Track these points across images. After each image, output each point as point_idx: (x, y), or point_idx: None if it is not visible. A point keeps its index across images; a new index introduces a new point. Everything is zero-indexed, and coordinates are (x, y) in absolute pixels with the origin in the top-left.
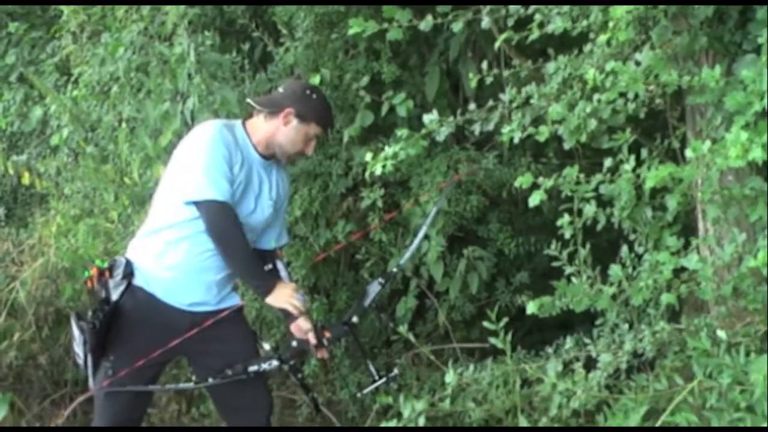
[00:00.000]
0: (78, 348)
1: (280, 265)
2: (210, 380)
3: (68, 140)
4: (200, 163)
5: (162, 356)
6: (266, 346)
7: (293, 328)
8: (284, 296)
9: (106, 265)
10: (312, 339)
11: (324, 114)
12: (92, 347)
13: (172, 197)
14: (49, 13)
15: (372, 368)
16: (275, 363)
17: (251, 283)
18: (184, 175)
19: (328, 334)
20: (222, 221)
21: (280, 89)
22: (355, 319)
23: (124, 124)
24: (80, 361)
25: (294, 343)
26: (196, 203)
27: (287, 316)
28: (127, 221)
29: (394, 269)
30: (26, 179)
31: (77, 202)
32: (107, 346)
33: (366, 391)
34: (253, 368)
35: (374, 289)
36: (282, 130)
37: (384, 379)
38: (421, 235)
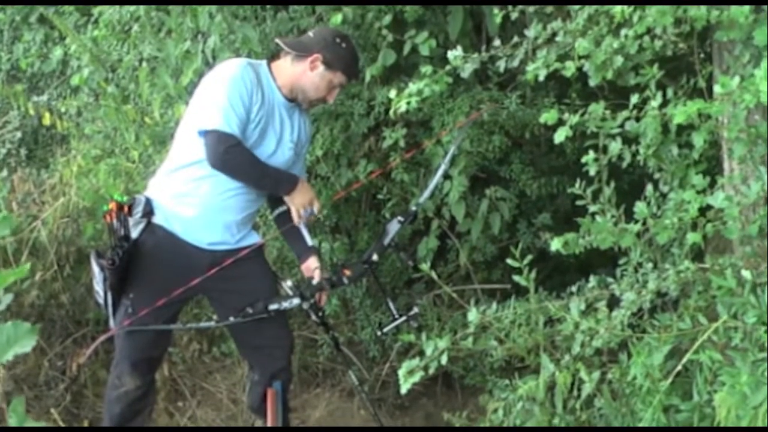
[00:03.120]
0: (98, 286)
1: (302, 227)
2: (231, 319)
3: (89, 80)
4: (216, 98)
5: (182, 295)
6: (287, 284)
7: (303, 267)
8: (305, 198)
9: (125, 199)
10: (316, 276)
11: (351, 64)
12: (112, 285)
13: (192, 134)
14: None
15: (392, 306)
16: (296, 301)
17: (276, 189)
18: (201, 110)
19: (348, 273)
20: (218, 146)
21: (310, 33)
22: (375, 257)
23: (144, 64)
24: (100, 300)
25: (314, 281)
26: (204, 133)
27: (300, 255)
28: (148, 161)
29: (414, 207)
30: (47, 120)
31: (98, 142)
32: (127, 285)
33: (387, 329)
34: (273, 306)
35: (394, 227)
36: (308, 74)
37: (404, 318)
38: (440, 173)
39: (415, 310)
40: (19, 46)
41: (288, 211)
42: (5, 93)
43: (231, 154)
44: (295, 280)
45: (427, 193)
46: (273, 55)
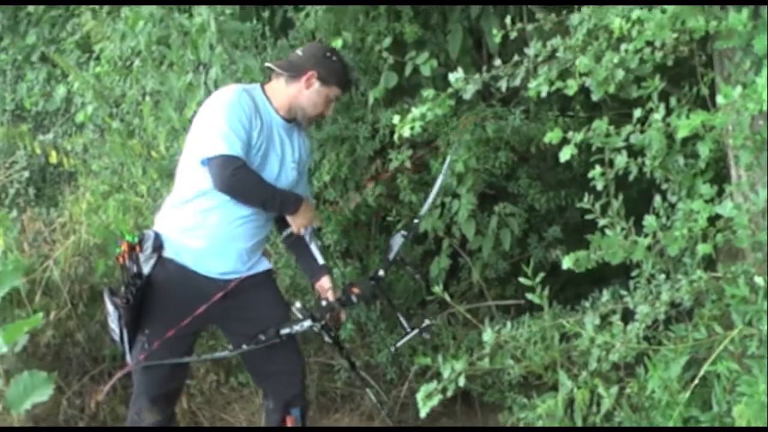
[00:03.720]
0: (113, 324)
1: (311, 243)
2: (244, 347)
3: (93, 117)
4: (216, 124)
5: (194, 325)
6: (296, 306)
7: (317, 286)
8: (308, 218)
9: (136, 239)
10: (331, 297)
11: (344, 76)
12: (127, 322)
13: (195, 164)
14: None
15: (403, 320)
16: (307, 323)
17: (281, 210)
18: (201, 140)
19: (356, 291)
20: (225, 170)
21: (299, 52)
22: (381, 273)
23: (148, 98)
24: (116, 337)
25: (324, 302)
26: (208, 161)
27: (312, 276)
28: (156, 195)
29: (416, 220)
30: (54, 158)
31: (106, 178)
32: (141, 320)
33: (400, 344)
34: (285, 331)
35: (398, 241)
36: (304, 93)
37: (417, 330)
38: (437, 186)
39: (427, 322)
40: (22, 86)
41: (310, 232)
42: (11, 133)
43: (238, 177)
44: (302, 301)
45: (426, 206)
46: (266, 79)
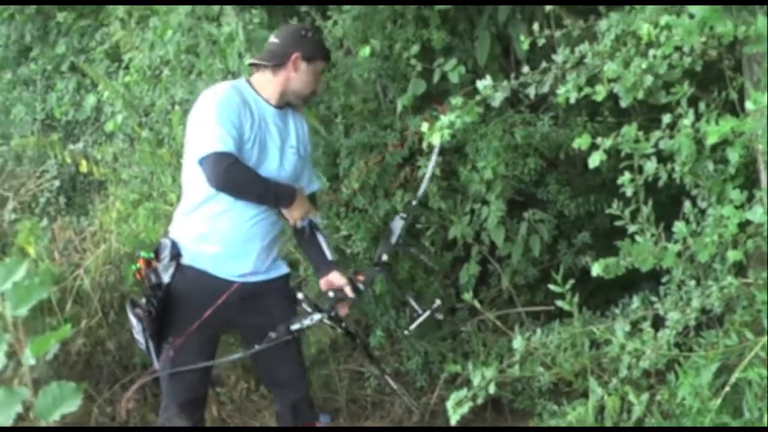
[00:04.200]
0: (138, 335)
1: (320, 238)
2: (256, 346)
3: (123, 126)
4: (206, 124)
5: (215, 329)
6: (299, 296)
7: (322, 282)
8: (303, 210)
9: (152, 255)
10: (350, 293)
11: (325, 47)
12: (151, 333)
13: (195, 169)
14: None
15: (414, 303)
16: (316, 317)
17: (276, 203)
18: (194, 142)
19: (362, 278)
20: (218, 167)
21: (275, 39)
22: (385, 257)
23: (177, 107)
24: (142, 347)
25: (331, 293)
26: (201, 161)
27: (318, 270)
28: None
29: (414, 201)
30: (84, 167)
31: (135, 186)
32: (165, 329)
33: (413, 326)
34: (296, 326)
35: (398, 224)
36: (293, 76)
37: (428, 312)
38: (431, 166)
39: (438, 302)
40: (52, 95)
41: (308, 224)
42: (42, 143)
43: (231, 173)
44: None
45: (423, 188)
46: (249, 74)
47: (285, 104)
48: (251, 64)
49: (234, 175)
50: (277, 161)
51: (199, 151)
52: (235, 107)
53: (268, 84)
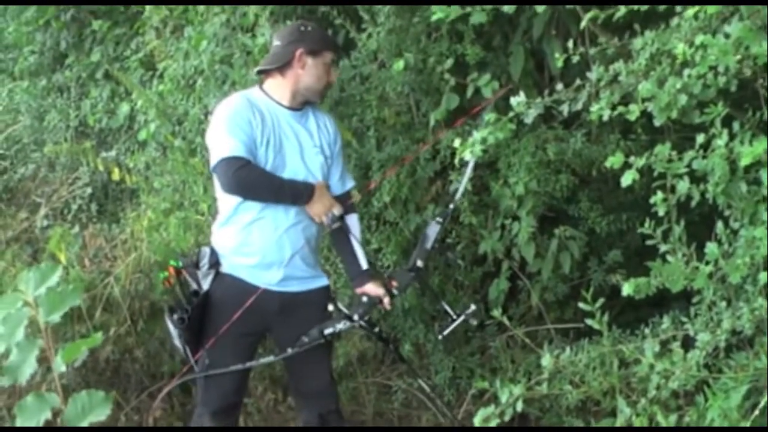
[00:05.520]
0: (176, 342)
1: (352, 220)
2: (289, 350)
3: (156, 134)
4: (217, 136)
5: (252, 336)
6: (329, 308)
7: (358, 292)
8: (323, 205)
9: (180, 264)
10: (387, 305)
11: (328, 38)
12: (187, 340)
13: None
14: (131, 9)
15: (448, 308)
16: (349, 322)
17: (294, 200)
18: (210, 153)
19: (395, 284)
20: (228, 171)
21: (277, 42)
22: (420, 263)
23: (210, 117)
24: (183, 354)
25: (364, 299)
26: (214, 169)
27: (353, 279)
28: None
29: (450, 206)
30: (116, 175)
31: (167, 195)
32: (202, 336)
33: (446, 331)
34: (328, 330)
35: (434, 229)
36: (302, 73)
37: (462, 317)
38: (468, 171)
39: (473, 307)
40: (86, 103)
41: (341, 229)
42: (75, 150)
43: (241, 174)
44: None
45: (459, 192)
46: (259, 82)
47: (302, 104)
48: (259, 72)
49: (244, 177)
50: (300, 162)
51: (212, 161)
52: (244, 114)
53: (279, 86)
